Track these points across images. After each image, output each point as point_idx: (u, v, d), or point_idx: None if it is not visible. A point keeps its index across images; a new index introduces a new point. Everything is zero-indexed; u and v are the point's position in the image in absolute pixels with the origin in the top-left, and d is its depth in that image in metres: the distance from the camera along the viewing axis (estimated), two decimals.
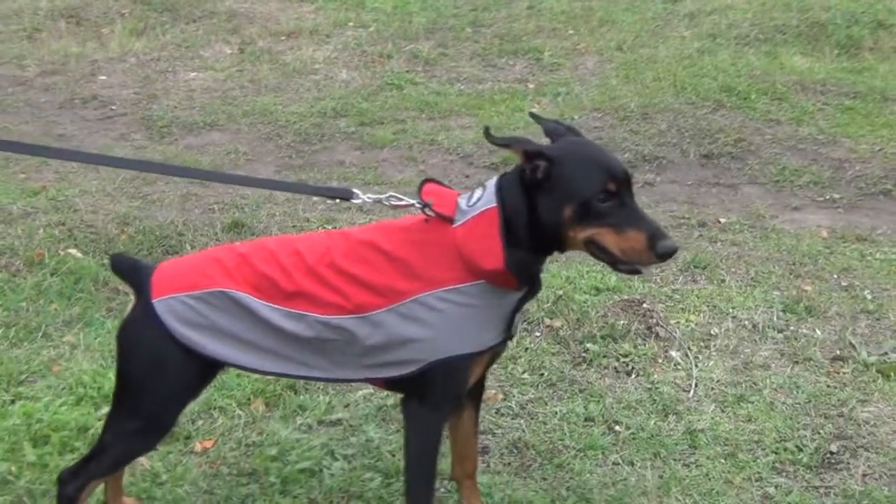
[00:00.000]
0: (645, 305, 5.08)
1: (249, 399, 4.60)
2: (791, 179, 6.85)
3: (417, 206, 3.31)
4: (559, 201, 3.15)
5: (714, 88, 8.05)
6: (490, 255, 3.17)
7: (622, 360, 4.73)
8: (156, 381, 3.43)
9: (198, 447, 4.32)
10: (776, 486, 3.96)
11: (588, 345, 4.81)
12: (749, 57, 8.80)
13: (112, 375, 4.49)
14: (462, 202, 3.27)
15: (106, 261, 5.89)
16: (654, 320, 4.97)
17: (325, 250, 3.34)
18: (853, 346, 4.84)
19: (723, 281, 5.44)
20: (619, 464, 4.09)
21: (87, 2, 11.11)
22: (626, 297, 5.19)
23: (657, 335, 4.90)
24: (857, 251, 5.85)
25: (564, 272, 5.43)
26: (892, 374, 4.63)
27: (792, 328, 5.00)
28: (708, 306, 5.18)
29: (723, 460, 4.09)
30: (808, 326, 5.02)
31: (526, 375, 4.65)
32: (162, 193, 6.75)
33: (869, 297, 5.30)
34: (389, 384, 3.42)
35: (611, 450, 4.17)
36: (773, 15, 9.63)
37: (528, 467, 4.10)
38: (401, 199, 3.41)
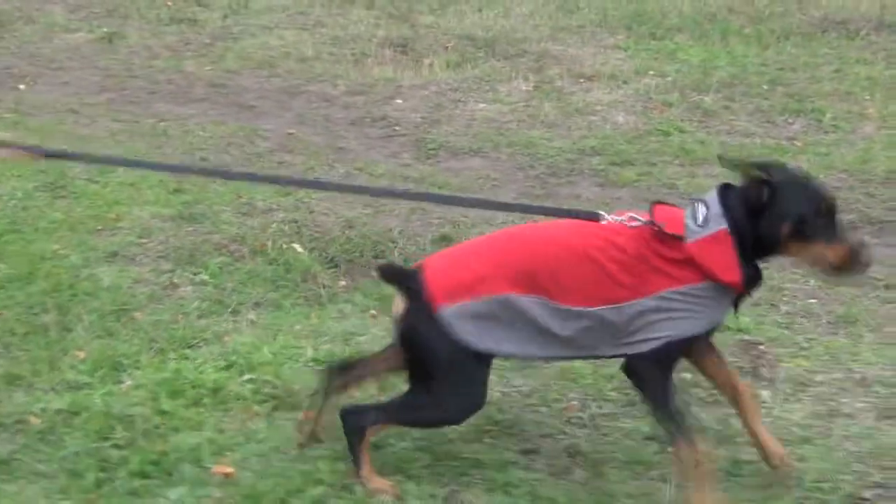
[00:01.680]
0: (761, 347, 5.21)
1: None
2: None
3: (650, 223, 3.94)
4: (779, 220, 3.84)
5: None
6: (729, 270, 3.88)
7: (710, 392, 4.89)
8: (456, 379, 4.09)
9: (303, 417, 4.81)
10: None
11: (684, 374, 4.99)
12: None
13: (267, 350, 5.13)
14: (689, 221, 3.90)
15: (320, 255, 6.55)
16: (763, 361, 5.09)
17: (584, 246, 4.00)
18: None
19: (861, 336, 5.47)
20: (654, 479, 4.30)
21: (419, 34, 11.92)
22: (748, 338, 5.32)
23: (759, 375, 5.03)
24: None
25: None
26: None
27: None
28: (829, 356, 5.25)
29: (757, 490, 4.22)
30: None
31: (612, 393, 4.90)
32: (395, 204, 7.33)
33: None
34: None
35: (654, 466, 4.38)
36: None
37: (567, 470, 4.37)
38: (638, 221, 3.97)
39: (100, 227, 6.95)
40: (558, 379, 5.02)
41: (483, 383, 4.12)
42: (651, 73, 10.55)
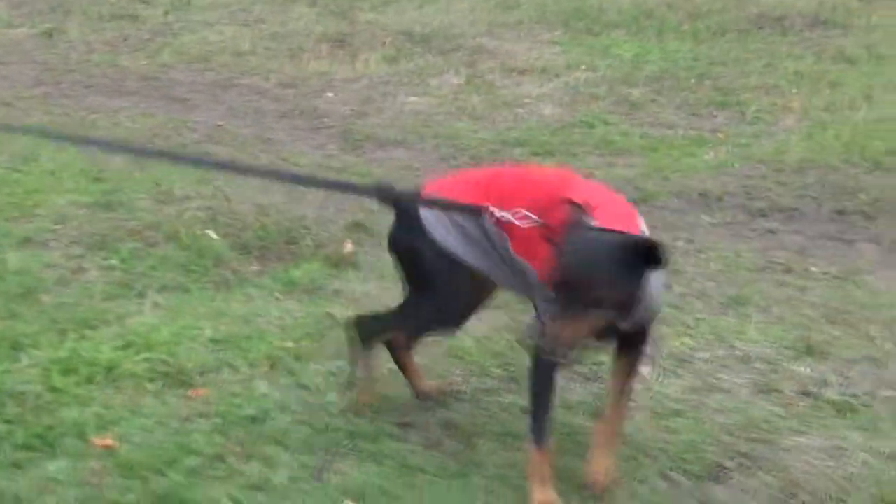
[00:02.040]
0: None
1: (259, 361, 5.16)
2: None
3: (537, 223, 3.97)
4: None
5: (880, 150, 8.03)
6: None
7: (593, 367, 4.99)
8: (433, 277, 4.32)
9: (191, 393, 4.90)
10: (651, 488, 4.17)
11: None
12: None
13: (165, 330, 5.21)
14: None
15: (233, 241, 6.63)
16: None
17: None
18: (829, 385, 4.92)
19: (749, 316, 5.58)
20: (523, 451, 4.38)
21: (357, 30, 12.02)
22: None
23: None
24: None
25: None
26: (848, 412, 4.70)
27: (784, 364, 5.12)
28: (713, 335, 5.35)
29: (622, 461, 4.31)
30: (800, 364, 5.12)
31: (496, 370, 5.00)
32: (310, 192, 7.42)
33: (887, 347, 5.31)
34: None
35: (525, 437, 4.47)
36: None
37: (440, 442, 4.47)
38: (529, 217, 4.01)
39: (17, 214, 7.01)
40: (446, 356, 5.10)
41: (460, 288, 4.30)
42: (583, 67, 10.67)
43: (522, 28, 12.07)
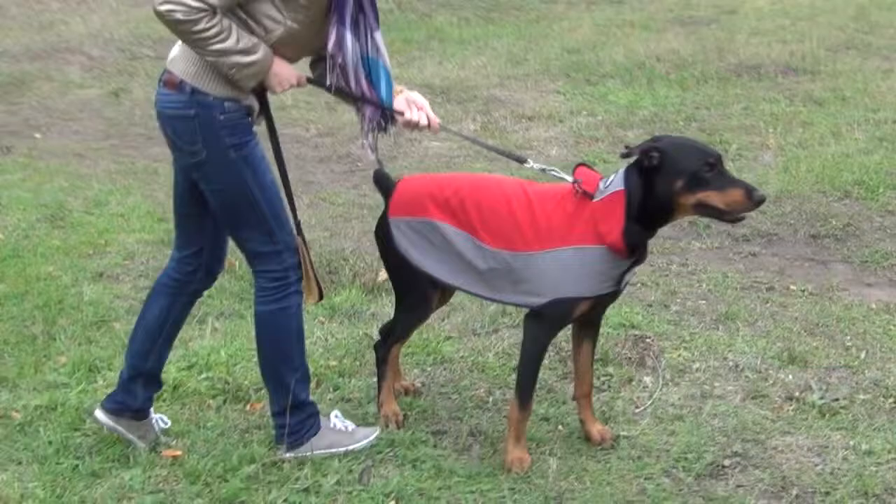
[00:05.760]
0: (648, 340, 5.26)
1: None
2: (878, 261, 6.73)
3: (569, 181, 4.05)
4: (671, 177, 3.87)
5: (848, 181, 7.97)
6: (613, 230, 3.90)
7: (601, 378, 4.95)
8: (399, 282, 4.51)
9: (249, 408, 4.88)
10: (657, 485, 4.12)
11: None
12: None
13: (223, 352, 5.17)
14: (601, 184, 3.98)
15: None
16: (649, 352, 5.15)
17: (507, 199, 4.14)
18: (812, 390, 4.86)
19: (738, 330, 5.53)
20: (543, 453, 4.35)
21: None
22: (637, 332, 5.38)
23: (644, 364, 5.08)
24: (891, 322, 5.75)
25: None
26: (830, 415, 4.65)
27: (771, 372, 5.06)
28: (707, 347, 5.30)
29: (629, 461, 4.28)
30: (785, 372, 5.06)
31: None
32: (349, 228, 7.41)
33: (862, 356, 5.25)
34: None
35: (545, 442, 4.44)
36: None
37: (469, 448, 4.43)
38: (559, 174, 4.16)
39: (91, 252, 7.02)
40: (471, 370, 5.06)
41: (421, 294, 4.38)
42: (584, 113, 10.63)
43: (529, 80, 12.05)
